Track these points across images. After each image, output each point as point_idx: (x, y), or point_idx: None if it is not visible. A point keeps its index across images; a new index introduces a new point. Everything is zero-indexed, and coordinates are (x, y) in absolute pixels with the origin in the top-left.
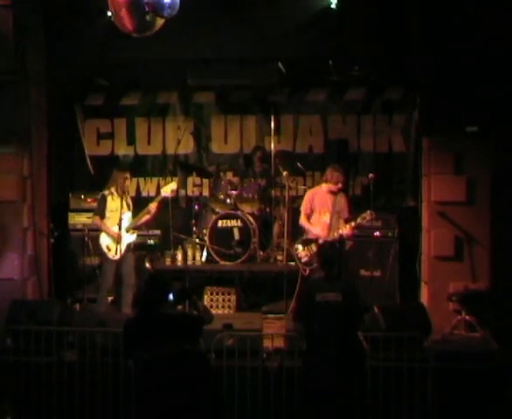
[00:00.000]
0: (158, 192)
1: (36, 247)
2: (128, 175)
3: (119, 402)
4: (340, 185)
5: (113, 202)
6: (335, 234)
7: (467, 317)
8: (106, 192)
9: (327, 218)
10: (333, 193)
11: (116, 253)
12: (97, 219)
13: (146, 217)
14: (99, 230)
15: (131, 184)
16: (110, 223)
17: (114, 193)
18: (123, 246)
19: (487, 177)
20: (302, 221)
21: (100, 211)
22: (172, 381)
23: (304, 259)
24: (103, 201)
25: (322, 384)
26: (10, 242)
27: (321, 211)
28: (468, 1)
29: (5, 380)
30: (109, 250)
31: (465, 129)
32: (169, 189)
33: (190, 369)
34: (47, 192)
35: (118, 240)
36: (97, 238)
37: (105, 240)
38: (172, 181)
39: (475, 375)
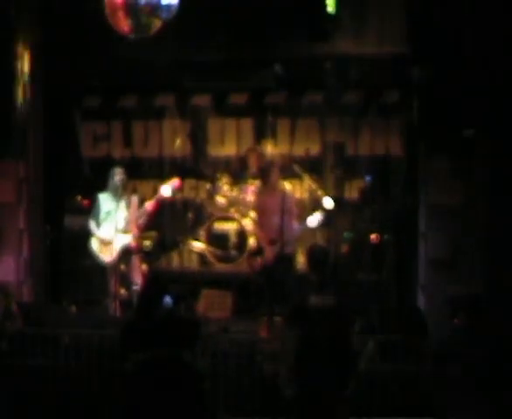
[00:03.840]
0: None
1: (32, 249)
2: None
3: (115, 406)
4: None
5: (108, 204)
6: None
7: (464, 320)
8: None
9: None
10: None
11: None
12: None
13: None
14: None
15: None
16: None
17: (110, 194)
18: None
19: (485, 181)
20: None
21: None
22: (159, 386)
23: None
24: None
25: (317, 387)
26: (5, 244)
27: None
28: (466, 3)
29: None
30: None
31: (462, 132)
32: (169, 188)
33: (175, 375)
34: (43, 194)
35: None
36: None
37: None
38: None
39: (472, 379)
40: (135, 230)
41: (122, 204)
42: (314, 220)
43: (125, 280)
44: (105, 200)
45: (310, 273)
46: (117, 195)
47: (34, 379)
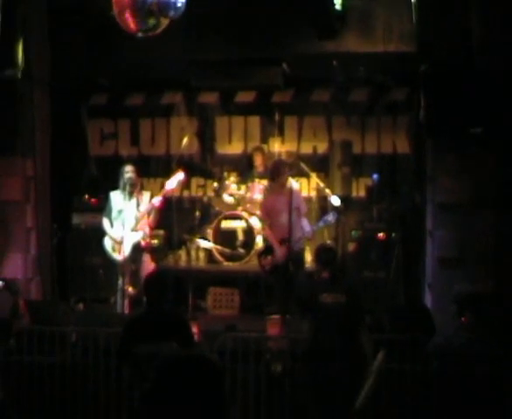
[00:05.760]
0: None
1: (39, 247)
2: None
3: (121, 403)
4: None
5: (119, 202)
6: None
7: (471, 319)
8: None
9: (283, 219)
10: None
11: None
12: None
13: (150, 213)
14: (101, 230)
15: None
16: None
17: (121, 192)
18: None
19: (492, 179)
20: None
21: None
22: (178, 384)
23: (267, 268)
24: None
25: (326, 384)
26: (13, 242)
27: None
28: (471, 2)
29: (8, 379)
30: (114, 251)
31: (469, 130)
32: (175, 181)
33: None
34: (51, 192)
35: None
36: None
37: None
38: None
39: (478, 378)
40: (147, 228)
41: (133, 202)
42: (331, 217)
43: (134, 278)
44: (116, 198)
45: (319, 272)
46: (128, 193)
47: (41, 376)
